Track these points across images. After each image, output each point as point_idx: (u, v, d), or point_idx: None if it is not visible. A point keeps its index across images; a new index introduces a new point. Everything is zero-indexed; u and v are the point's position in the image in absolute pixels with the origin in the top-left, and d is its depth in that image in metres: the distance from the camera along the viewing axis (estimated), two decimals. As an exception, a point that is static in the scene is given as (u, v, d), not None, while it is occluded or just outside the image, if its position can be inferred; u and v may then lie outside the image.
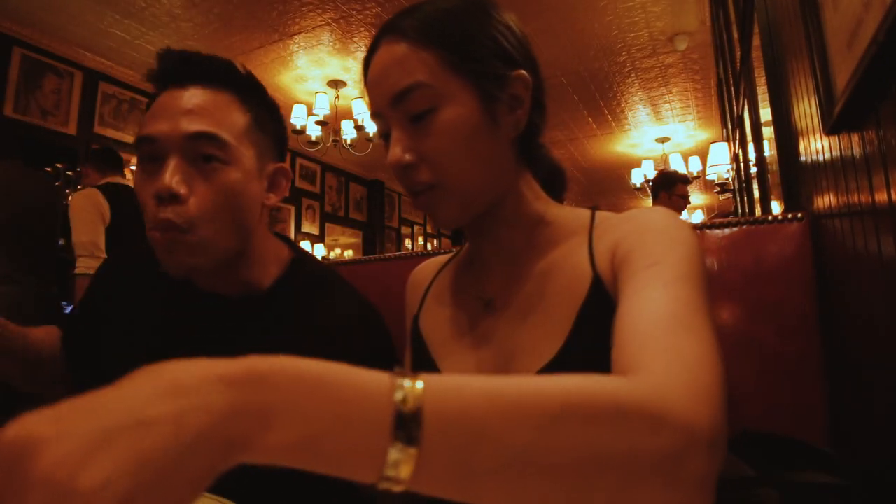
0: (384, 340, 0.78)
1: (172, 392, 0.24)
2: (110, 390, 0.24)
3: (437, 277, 0.75)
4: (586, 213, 0.65)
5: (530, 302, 0.61)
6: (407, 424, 0.28)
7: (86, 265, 2.38)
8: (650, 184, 4.26)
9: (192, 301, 0.76)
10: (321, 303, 0.76)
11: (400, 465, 0.28)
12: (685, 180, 3.48)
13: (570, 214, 0.65)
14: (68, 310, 2.62)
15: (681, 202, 3.31)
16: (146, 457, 0.22)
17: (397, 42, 0.59)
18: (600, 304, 0.55)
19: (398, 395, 0.28)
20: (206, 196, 0.67)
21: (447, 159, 0.58)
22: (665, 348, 0.40)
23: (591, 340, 0.54)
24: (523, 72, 0.61)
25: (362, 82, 0.65)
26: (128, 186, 2.85)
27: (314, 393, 0.27)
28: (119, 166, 2.77)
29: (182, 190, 0.66)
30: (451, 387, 0.31)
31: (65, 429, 0.22)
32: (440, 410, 0.29)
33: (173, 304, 0.77)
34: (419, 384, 0.29)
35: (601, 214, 0.64)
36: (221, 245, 0.70)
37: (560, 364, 0.55)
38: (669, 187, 3.30)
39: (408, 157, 0.58)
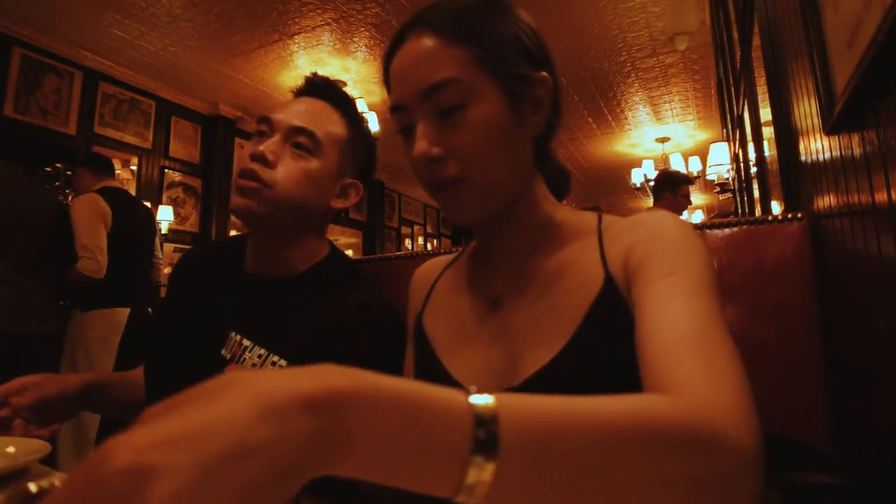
0: (394, 340, 0.79)
1: (267, 414, 0.25)
2: (209, 404, 0.25)
3: (441, 276, 0.75)
4: (592, 215, 0.66)
5: (539, 300, 0.61)
6: (485, 445, 0.28)
7: (86, 266, 2.37)
8: (651, 183, 4.27)
9: (241, 283, 0.90)
10: (340, 293, 0.84)
11: (477, 484, 0.28)
12: (689, 181, 3.54)
13: (576, 216, 0.66)
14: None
15: (684, 202, 3.35)
16: (247, 490, 0.23)
17: (427, 36, 0.58)
18: (611, 304, 0.55)
19: (475, 414, 0.29)
20: (289, 169, 0.83)
21: (477, 154, 0.58)
22: (699, 366, 0.41)
23: (597, 339, 0.54)
24: (545, 73, 0.61)
25: (381, 75, 0.65)
26: (125, 191, 2.86)
27: (393, 416, 0.28)
28: (112, 171, 2.81)
29: (272, 157, 0.82)
30: (525, 407, 0.31)
31: (174, 459, 0.22)
32: (515, 430, 0.29)
33: (226, 287, 0.91)
34: (494, 402, 0.30)
35: (608, 218, 0.65)
36: (283, 207, 0.83)
37: (563, 361, 0.55)
38: (674, 188, 3.32)
39: (436, 150, 0.58)
